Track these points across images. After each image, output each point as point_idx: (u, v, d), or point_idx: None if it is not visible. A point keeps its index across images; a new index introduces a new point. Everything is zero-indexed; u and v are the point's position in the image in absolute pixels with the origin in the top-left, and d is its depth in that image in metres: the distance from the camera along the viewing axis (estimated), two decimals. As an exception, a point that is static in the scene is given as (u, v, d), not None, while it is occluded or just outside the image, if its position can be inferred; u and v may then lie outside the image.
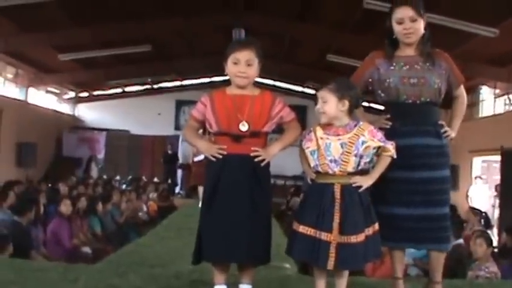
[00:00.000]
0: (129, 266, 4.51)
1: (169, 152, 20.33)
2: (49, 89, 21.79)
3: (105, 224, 10.04)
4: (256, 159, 3.22)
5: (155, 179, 19.83)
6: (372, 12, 10.46)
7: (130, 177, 19.41)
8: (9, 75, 18.57)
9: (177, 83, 24.02)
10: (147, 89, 23.92)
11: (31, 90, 19.78)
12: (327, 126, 3.27)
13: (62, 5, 12.48)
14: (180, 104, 24.52)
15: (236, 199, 3.19)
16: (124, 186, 17.35)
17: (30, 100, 19.76)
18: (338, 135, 3.21)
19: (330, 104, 3.22)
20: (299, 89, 22.45)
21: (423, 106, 3.45)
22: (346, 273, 3.25)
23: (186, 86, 24.18)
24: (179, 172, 20.88)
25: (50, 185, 13.35)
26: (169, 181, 19.41)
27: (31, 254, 6.95)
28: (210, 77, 22.69)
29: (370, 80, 3.59)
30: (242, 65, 3.25)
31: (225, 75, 3.40)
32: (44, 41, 14.91)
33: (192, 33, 16.42)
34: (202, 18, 14.75)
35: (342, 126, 3.24)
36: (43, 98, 21.52)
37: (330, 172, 3.19)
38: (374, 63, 3.58)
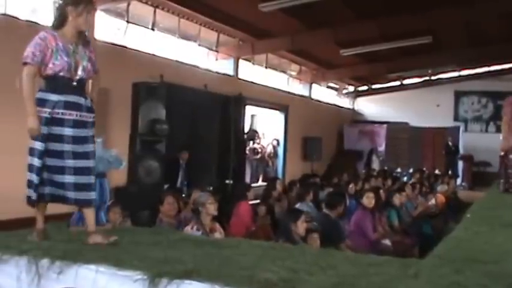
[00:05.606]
0: (461, 262, 4.24)
1: (450, 143, 19.96)
2: (329, 84, 22.54)
3: (402, 216, 10.01)
4: None
5: (436, 171, 19.44)
6: None
7: (411, 169, 19.23)
8: (293, 73, 19.59)
9: (455, 74, 23.48)
10: (425, 80, 23.77)
11: (314, 86, 20.63)
12: None
13: (347, 1, 12.76)
14: (458, 95, 24.00)
15: None
16: (405, 179, 17.22)
17: (313, 96, 20.62)
18: None
19: None
20: None
21: None
22: None
23: (464, 76, 23.50)
24: (460, 164, 20.36)
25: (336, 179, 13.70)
26: (450, 172, 18.96)
27: (340, 247, 7.05)
28: (489, 65, 21.89)
29: None
30: None
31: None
32: (327, 37, 15.34)
33: (475, 22, 15.69)
34: (486, 5, 13.84)
35: None
36: (324, 94, 22.33)
37: None
38: None
